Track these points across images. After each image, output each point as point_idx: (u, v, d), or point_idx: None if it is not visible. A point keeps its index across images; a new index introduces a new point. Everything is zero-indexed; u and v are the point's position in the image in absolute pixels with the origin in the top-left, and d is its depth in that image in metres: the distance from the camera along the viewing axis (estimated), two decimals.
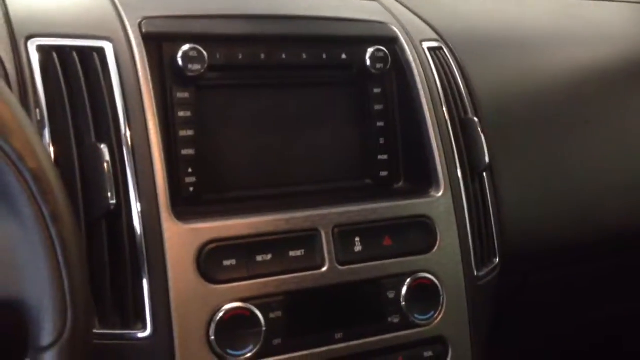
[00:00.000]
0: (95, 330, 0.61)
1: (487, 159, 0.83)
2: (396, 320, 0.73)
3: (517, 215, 0.87)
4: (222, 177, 0.72)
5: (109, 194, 0.63)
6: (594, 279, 1.00)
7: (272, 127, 0.74)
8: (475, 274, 0.79)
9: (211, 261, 0.65)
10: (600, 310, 1.05)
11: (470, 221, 0.79)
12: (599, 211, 0.94)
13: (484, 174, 0.84)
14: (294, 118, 0.75)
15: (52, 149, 0.64)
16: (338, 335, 0.70)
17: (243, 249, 0.67)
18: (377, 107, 0.79)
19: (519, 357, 1.11)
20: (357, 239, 0.72)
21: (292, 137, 0.75)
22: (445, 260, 0.76)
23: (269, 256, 0.67)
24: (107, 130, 0.65)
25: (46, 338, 0.47)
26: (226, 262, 0.66)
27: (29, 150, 0.49)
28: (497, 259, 0.84)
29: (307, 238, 0.70)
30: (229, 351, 0.64)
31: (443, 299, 0.75)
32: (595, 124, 0.96)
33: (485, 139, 0.83)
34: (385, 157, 0.79)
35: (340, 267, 0.70)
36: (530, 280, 0.92)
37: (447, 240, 0.77)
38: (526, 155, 0.90)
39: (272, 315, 0.66)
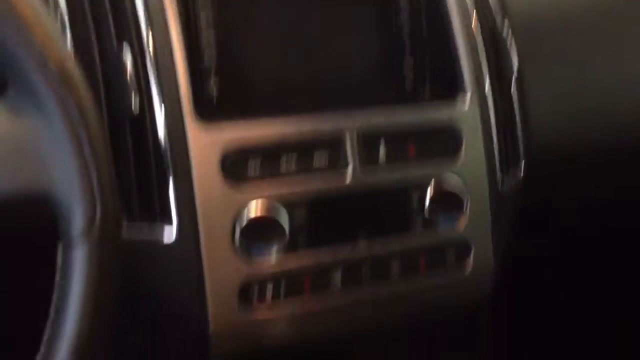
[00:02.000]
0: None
1: (516, 67, 0.81)
2: (419, 224, 0.73)
3: (544, 125, 0.86)
4: (245, 81, 0.71)
5: (132, 99, 0.63)
6: (619, 189, 0.99)
7: (297, 33, 0.73)
8: (500, 182, 0.79)
9: (236, 164, 0.65)
10: (626, 219, 1.05)
11: (496, 129, 0.78)
12: (628, 123, 0.92)
13: (512, 82, 0.83)
14: (319, 24, 0.74)
15: (73, 53, 0.63)
16: (361, 237, 0.70)
17: (267, 152, 0.67)
18: (404, 12, 0.77)
19: (539, 266, 1.12)
20: (382, 143, 0.72)
21: (317, 43, 0.73)
22: (469, 167, 0.76)
23: (293, 158, 0.68)
24: (129, 35, 0.65)
25: (76, 229, 0.48)
26: (250, 165, 0.66)
27: (52, 47, 0.49)
28: (523, 168, 0.83)
29: (331, 141, 0.70)
30: (254, 251, 0.66)
31: (467, 205, 0.75)
32: (628, 36, 0.93)
33: (515, 47, 0.81)
34: (411, 62, 0.78)
35: (364, 171, 0.70)
36: (556, 190, 0.92)
37: (473, 147, 0.76)
38: (556, 65, 0.88)
39: (296, 217, 0.67)
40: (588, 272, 1.21)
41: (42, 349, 0.48)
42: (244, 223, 0.65)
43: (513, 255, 0.82)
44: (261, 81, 0.71)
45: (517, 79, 0.83)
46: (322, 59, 0.74)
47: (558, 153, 0.88)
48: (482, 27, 0.79)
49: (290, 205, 0.67)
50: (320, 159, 0.69)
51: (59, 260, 0.49)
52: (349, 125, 0.70)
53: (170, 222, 0.64)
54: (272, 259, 0.66)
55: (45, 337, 0.48)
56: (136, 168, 0.65)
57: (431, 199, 0.73)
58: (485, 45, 0.79)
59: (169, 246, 0.64)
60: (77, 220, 0.48)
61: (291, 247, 0.67)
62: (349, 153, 0.70)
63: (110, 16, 0.64)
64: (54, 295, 0.49)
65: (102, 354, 0.50)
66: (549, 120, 0.87)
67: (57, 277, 0.49)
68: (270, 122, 0.67)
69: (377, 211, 0.72)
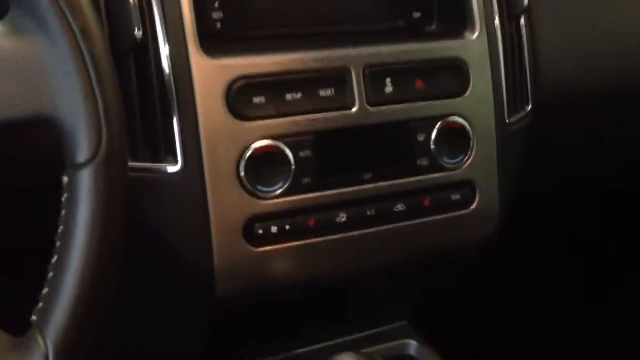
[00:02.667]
0: None
1: (525, 2, 0.79)
2: (425, 163, 0.72)
3: (553, 62, 0.85)
4: (250, 13, 0.69)
5: (135, 27, 0.61)
6: (624, 128, 0.98)
7: None
8: (507, 119, 0.78)
9: (240, 98, 0.64)
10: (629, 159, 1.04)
11: (504, 65, 0.77)
12: (635, 66, 0.91)
13: (522, 17, 0.81)
14: None
15: None
16: (367, 176, 0.70)
17: (272, 86, 0.65)
18: None
19: (545, 202, 1.12)
20: (388, 79, 0.70)
21: None
22: (476, 104, 0.75)
23: (299, 94, 0.66)
24: None
25: (82, 154, 0.47)
26: (255, 99, 0.65)
27: None
28: (530, 105, 0.82)
29: (337, 77, 0.68)
30: (259, 187, 0.65)
31: (473, 143, 0.74)
32: None
33: None
34: None
35: (370, 108, 0.69)
36: (562, 126, 0.91)
37: (480, 84, 0.75)
38: (566, 4, 0.86)
39: (301, 154, 0.66)
40: (587, 212, 1.22)
41: (49, 279, 0.48)
42: (249, 157, 0.64)
43: (517, 194, 0.81)
44: (266, 14, 0.70)
45: (526, 16, 0.82)
46: None
47: (565, 92, 0.87)
48: None
49: (295, 142, 0.66)
50: (325, 97, 0.67)
51: (65, 186, 0.48)
52: (354, 61, 0.69)
53: (175, 155, 0.63)
54: (277, 195, 0.66)
55: (52, 262, 0.48)
56: (139, 100, 0.63)
57: (437, 137, 0.72)
58: None
59: (172, 179, 0.63)
60: (82, 144, 0.47)
61: (296, 184, 0.66)
62: (355, 89, 0.68)
63: None
64: (60, 222, 0.48)
65: (108, 286, 0.50)
66: (557, 59, 0.85)
67: (63, 205, 0.48)
68: (275, 57, 0.66)
69: (383, 149, 0.71)
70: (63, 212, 0.48)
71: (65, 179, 0.48)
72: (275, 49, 0.67)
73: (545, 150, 0.91)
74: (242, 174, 0.64)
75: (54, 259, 0.48)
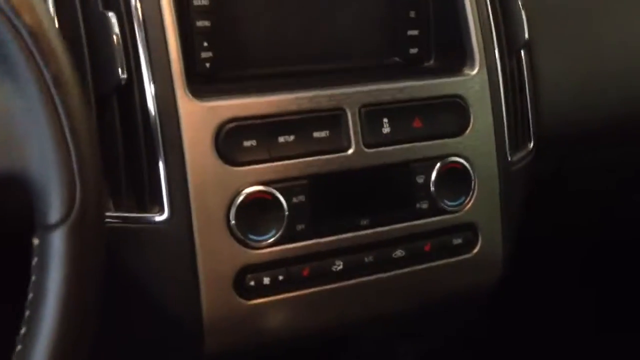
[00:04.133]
0: (109, 213, 0.58)
1: (526, 35, 0.77)
2: (425, 206, 0.69)
3: (555, 97, 0.82)
4: (240, 52, 0.66)
5: (119, 68, 0.59)
6: (631, 164, 0.95)
7: (295, 2, 0.68)
8: (509, 158, 0.75)
9: (230, 142, 0.61)
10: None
11: (505, 102, 0.74)
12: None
13: (522, 51, 0.78)
14: None
15: (56, 19, 0.59)
16: (364, 222, 0.66)
17: (264, 129, 0.62)
18: None
19: (548, 246, 1.09)
20: (385, 119, 0.67)
21: (315, 10, 0.69)
22: (477, 144, 0.72)
23: (292, 137, 0.63)
24: (116, 0, 0.60)
25: (54, 214, 0.44)
26: (246, 143, 0.62)
27: (26, 5, 0.44)
28: (532, 143, 0.79)
29: (332, 118, 0.65)
30: (251, 236, 0.62)
31: (474, 184, 0.71)
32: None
33: (525, 14, 0.77)
34: (415, 32, 0.73)
35: (367, 150, 0.66)
36: (566, 165, 0.88)
37: (481, 122, 0.72)
38: (567, 34, 0.84)
39: (295, 200, 0.63)
40: (596, 248, 1.18)
41: (19, 346, 0.44)
42: (239, 205, 0.61)
43: (523, 235, 0.78)
44: (256, 54, 0.67)
45: (527, 50, 0.79)
46: (321, 29, 0.69)
47: (569, 127, 0.84)
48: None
49: (289, 187, 0.63)
50: (320, 139, 0.64)
51: (35, 249, 0.44)
52: (350, 101, 0.66)
53: (161, 203, 0.60)
54: (269, 244, 0.62)
55: (20, 334, 0.44)
56: (124, 144, 0.60)
57: (437, 178, 0.69)
58: (494, 15, 0.75)
59: (159, 228, 0.60)
60: (54, 202, 0.43)
61: (290, 232, 0.63)
62: (350, 130, 0.65)
63: None
64: (30, 289, 0.44)
65: (84, 350, 0.46)
66: (559, 94, 0.83)
67: (33, 271, 0.44)
68: (267, 98, 0.63)
69: (381, 193, 0.68)
70: (33, 278, 0.44)
71: (35, 241, 0.45)
72: (267, 90, 0.64)
73: (552, 190, 0.88)
74: (233, 222, 0.61)
75: (22, 330, 0.44)
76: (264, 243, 0.62)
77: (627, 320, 1.24)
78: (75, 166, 0.44)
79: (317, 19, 0.69)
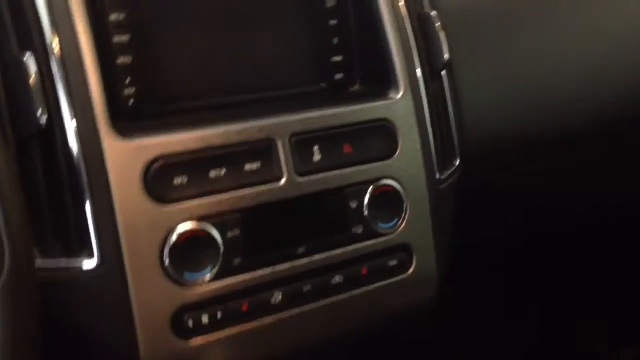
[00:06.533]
0: (38, 265, 0.55)
1: (446, 57, 0.79)
2: (359, 230, 0.69)
3: (478, 114, 0.84)
4: (164, 86, 0.65)
5: (39, 110, 0.56)
6: (554, 174, 0.98)
7: (216, 28, 0.67)
8: (438, 177, 0.76)
9: (159, 180, 0.60)
10: (558, 205, 1.05)
11: (431, 122, 0.75)
12: (560, 108, 0.91)
13: (443, 71, 0.80)
14: (239, 18, 0.68)
15: None
16: (300, 250, 0.66)
17: (194, 165, 0.61)
18: (329, 3, 0.73)
19: (482, 251, 1.11)
20: (316, 147, 0.67)
21: (238, 41, 0.69)
22: (406, 165, 0.73)
23: (223, 171, 0.62)
24: (31, 38, 0.58)
25: None
26: (176, 180, 0.60)
27: None
28: (459, 160, 0.81)
29: (262, 149, 0.65)
30: (186, 274, 0.60)
31: (406, 205, 0.72)
32: (560, 18, 0.92)
33: (445, 35, 0.78)
34: (339, 58, 0.74)
35: (299, 178, 0.66)
36: (493, 179, 0.90)
37: (408, 143, 0.73)
38: (487, 52, 0.86)
39: (229, 234, 0.62)
40: (530, 257, 1.22)
41: None
42: (173, 244, 0.59)
43: (456, 251, 0.79)
44: (181, 88, 0.66)
45: (448, 70, 0.81)
46: (246, 59, 0.69)
47: (492, 141, 0.87)
48: (411, 19, 0.76)
49: (222, 222, 0.62)
50: (251, 171, 0.64)
51: None
52: (279, 130, 0.65)
53: (90, 248, 0.58)
54: (206, 281, 0.61)
55: None
56: (49, 188, 0.58)
57: (369, 202, 0.70)
58: (415, 37, 0.76)
59: (90, 274, 0.58)
60: None
61: (226, 267, 0.62)
62: (282, 160, 0.65)
63: (9, 21, 0.58)
64: None
65: None
66: (480, 109, 0.85)
67: None
68: (195, 133, 0.62)
69: (315, 220, 0.67)
70: None
71: None
72: (195, 124, 0.63)
73: (481, 201, 0.90)
74: (167, 262, 0.59)
75: None
76: (200, 280, 0.61)
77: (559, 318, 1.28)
78: (1, 224, 0.42)
79: (241, 50, 0.69)
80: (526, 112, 0.89)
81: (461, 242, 0.81)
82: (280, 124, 0.66)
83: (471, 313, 1.23)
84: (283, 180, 0.65)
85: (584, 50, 0.91)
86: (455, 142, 0.81)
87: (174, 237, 0.59)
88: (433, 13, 0.79)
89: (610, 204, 1.09)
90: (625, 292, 1.32)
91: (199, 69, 0.67)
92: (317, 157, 0.67)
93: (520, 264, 1.24)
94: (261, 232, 0.64)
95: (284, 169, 0.65)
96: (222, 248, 0.61)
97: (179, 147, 0.61)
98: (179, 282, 0.60)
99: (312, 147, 0.67)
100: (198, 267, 0.61)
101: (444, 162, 0.79)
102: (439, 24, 0.78)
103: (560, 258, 1.26)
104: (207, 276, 0.61)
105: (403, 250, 0.73)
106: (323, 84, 0.74)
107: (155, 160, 0.59)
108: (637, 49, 0.94)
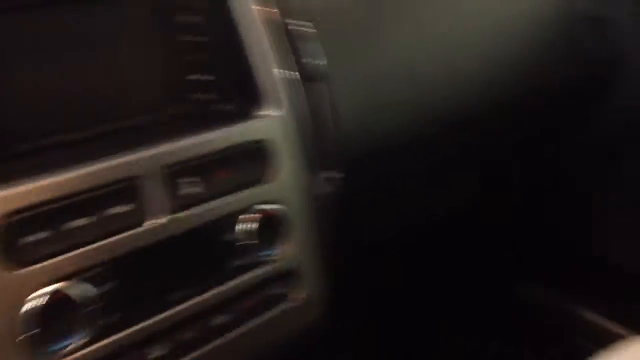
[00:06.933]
0: None
1: (319, 68, 0.75)
2: (242, 262, 0.65)
3: (355, 123, 0.81)
4: (7, 130, 0.56)
5: None
6: (429, 172, 0.98)
7: (58, 57, 0.58)
8: (319, 192, 0.73)
9: (10, 240, 0.52)
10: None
11: (307, 137, 0.71)
12: (433, 105, 0.90)
13: (316, 83, 0.76)
14: (85, 42, 0.60)
15: None
16: (178, 295, 0.60)
17: (49, 218, 0.54)
18: (179, 18, 0.66)
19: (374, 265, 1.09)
20: (188, 178, 0.61)
21: (86, 68, 0.60)
22: (287, 186, 0.69)
23: (83, 220, 0.55)
24: None
25: None
26: (29, 238, 0.53)
27: None
28: (340, 172, 0.78)
29: (127, 189, 0.58)
30: (49, 346, 0.53)
31: (289, 228, 0.68)
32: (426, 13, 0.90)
33: (315, 45, 0.74)
34: (203, 77, 0.67)
35: (172, 216, 0.60)
36: (371, 186, 0.88)
37: (287, 163, 0.69)
38: (358, 57, 0.83)
39: (96, 292, 0.55)
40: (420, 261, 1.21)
41: None
42: (31, 317, 0.52)
43: (346, 267, 0.77)
44: (24, 129, 0.57)
45: (322, 81, 0.77)
46: (95, 89, 0.60)
47: (369, 148, 0.84)
48: (277, 29, 0.71)
49: (88, 279, 0.55)
50: (116, 213, 0.57)
51: None
52: (145, 165, 0.59)
53: None
54: (73, 350, 0.54)
55: None
56: None
57: (251, 230, 0.65)
58: (283, 49, 0.71)
59: None
60: None
61: (95, 330, 0.55)
62: (150, 200, 0.59)
63: None
64: None
65: None
66: (358, 118, 0.82)
67: None
68: (45, 181, 0.54)
69: (195, 259, 0.62)
70: None
71: None
72: (45, 169, 0.55)
73: (369, 208, 0.88)
74: (25, 336, 0.52)
75: None
76: (67, 350, 0.54)
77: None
78: None
79: (90, 79, 0.60)
80: (396, 114, 0.87)
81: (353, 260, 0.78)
82: (144, 159, 0.59)
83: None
84: (154, 222, 0.59)
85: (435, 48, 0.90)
86: (335, 154, 0.78)
87: (31, 306, 0.52)
88: (303, 23, 0.74)
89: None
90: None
91: (42, 104, 0.58)
92: (190, 189, 0.62)
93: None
94: (133, 285, 0.58)
95: (154, 208, 0.59)
96: (88, 309, 0.54)
97: (27, 201, 0.53)
98: (42, 357, 0.53)
99: (183, 179, 0.61)
100: (62, 336, 0.54)
101: (325, 176, 0.75)
102: (308, 34, 0.74)
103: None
104: (73, 345, 0.54)
105: (289, 276, 0.69)
106: (189, 108, 0.67)
107: (3, 216, 0.52)
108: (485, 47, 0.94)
